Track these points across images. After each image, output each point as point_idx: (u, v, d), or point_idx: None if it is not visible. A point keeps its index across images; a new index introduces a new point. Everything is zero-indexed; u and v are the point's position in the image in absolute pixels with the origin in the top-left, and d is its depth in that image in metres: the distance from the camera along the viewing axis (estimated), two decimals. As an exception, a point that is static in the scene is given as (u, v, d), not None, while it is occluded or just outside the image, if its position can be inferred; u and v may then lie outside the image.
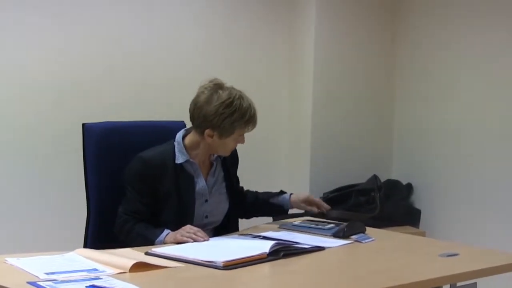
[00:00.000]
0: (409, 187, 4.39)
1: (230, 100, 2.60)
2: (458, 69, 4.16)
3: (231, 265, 2.13)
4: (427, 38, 4.32)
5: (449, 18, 4.20)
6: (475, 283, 2.33)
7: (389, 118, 4.54)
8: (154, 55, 4.03)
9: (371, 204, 4.16)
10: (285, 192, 2.92)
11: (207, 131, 2.62)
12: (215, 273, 2.10)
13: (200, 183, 2.68)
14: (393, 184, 4.36)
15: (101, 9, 3.88)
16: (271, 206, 2.89)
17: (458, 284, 2.28)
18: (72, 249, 2.30)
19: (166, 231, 2.55)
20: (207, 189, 2.69)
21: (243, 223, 2.92)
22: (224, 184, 2.76)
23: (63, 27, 3.79)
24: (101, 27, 3.89)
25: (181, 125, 2.98)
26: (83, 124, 2.87)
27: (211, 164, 2.73)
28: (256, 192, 2.94)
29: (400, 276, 2.14)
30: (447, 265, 2.28)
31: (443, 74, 4.25)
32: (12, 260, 2.14)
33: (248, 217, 2.95)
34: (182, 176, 2.65)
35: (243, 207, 2.87)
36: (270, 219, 3.78)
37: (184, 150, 2.66)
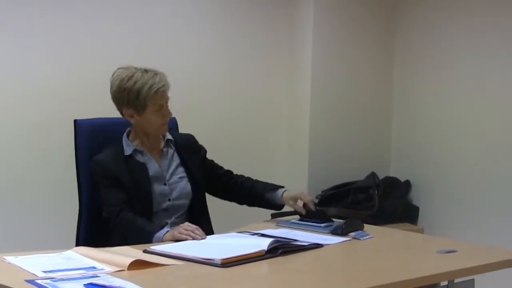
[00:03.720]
0: (407, 185, 4.39)
1: (130, 74, 2.74)
2: (457, 68, 4.16)
3: (229, 263, 2.13)
4: (427, 36, 4.32)
5: (449, 16, 4.20)
6: (473, 279, 2.33)
7: (387, 115, 4.55)
8: (152, 53, 4.02)
9: (369, 202, 4.15)
10: (282, 187, 2.93)
11: (125, 112, 2.74)
12: (214, 271, 2.10)
13: (153, 168, 2.77)
14: (391, 182, 4.36)
15: (97, 10, 3.88)
16: (264, 201, 2.93)
17: (456, 280, 2.29)
18: (69, 247, 2.30)
19: (166, 229, 2.56)
20: (161, 172, 2.77)
21: (241, 220, 2.92)
22: (182, 169, 2.82)
23: (60, 26, 3.79)
24: (97, 27, 3.89)
25: (172, 121, 2.97)
26: (75, 121, 2.86)
27: (162, 151, 2.82)
28: (254, 182, 2.97)
29: (398, 273, 2.14)
30: (445, 261, 2.28)
31: (442, 72, 4.25)
32: (10, 259, 2.13)
33: (242, 203, 3.01)
34: (135, 166, 2.75)
35: (231, 191, 2.96)
36: (268, 216, 3.79)
37: (130, 142, 2.77)
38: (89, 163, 2.80)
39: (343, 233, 2.60)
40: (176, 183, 2.80)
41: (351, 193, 4.20)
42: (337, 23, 4.34)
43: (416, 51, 4.39)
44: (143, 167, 2.75)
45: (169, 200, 2.76)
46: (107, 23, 3.92)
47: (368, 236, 2.60)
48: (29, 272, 2.00)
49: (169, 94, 2.70)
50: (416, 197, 4.36)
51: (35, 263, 2.09)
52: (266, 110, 4.43)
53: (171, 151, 2.84)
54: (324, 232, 2.64)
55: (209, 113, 4.17)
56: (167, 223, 2.71)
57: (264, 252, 2.24)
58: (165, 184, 2.77)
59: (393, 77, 4.53)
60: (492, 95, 3.98)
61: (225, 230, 2.70)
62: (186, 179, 2.82)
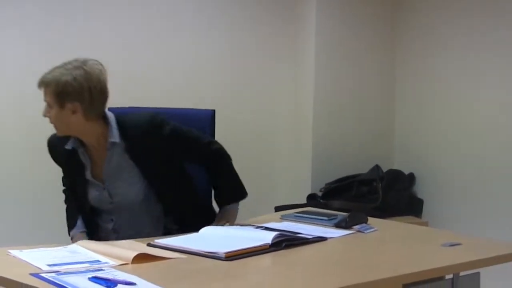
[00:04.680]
0: (411, 177, 4.38)
1: None
2: (459, 63, 4.16)
3: (233, 256, 2.13)
4: (428, 33, 4.32)
5: (450, 15, 4.20)
6: (478, 272, 2.33)
7: (390, 108, 4.54)
8: (155, 47, 4.06)
9: (373, 194, 4.16)
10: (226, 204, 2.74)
11: None
12: (217, 264, 2.10)
13: (89, 173, 2.59)
14: (395, 174, 4.36)
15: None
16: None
17: (461, 273, 2.28)
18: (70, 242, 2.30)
19: (81, 229, 2.64)
20: (96, 179, 2.59)
21: (245, 213, 2.92)
22: (131, 171, 2.56)
23: (64, 23, 3.83)
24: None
25: (209, 113, 2.93)
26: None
27: (107, 154, 2.57)
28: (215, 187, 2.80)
29: (402, 266, 2.13)
30: (449, 254, 2.27)
31: (444, 67, 4.25)
32: (15, 252, 2.14)
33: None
34: (75, 164, 2.61)
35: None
36: (272, 210, 3.79)
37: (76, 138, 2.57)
38: None
39: (347, 226, 2.59)
40: (117, 188, 2.58)
41: (355, 186, 4.21)
42: (339, 19, 4.34)
43: (418, 46, 4.38)
44: (81, 168, 2.59)
45: (111, 203, 2.61)
46: (106, 26, 3.97)
47: (372, 229, 2.59)
48: (34, 265, 2.01)
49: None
50: (421, 190, 4.36)
51: (39, 256, 2.09)
52: (270, 103, 4.43)
53: (117, 152, 2.56)
54: (328, 225, 2.63)
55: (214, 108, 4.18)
56: (112, 220, 2.63)
57: (268, 246, 2.24)
58: (104, 189, 2.59)
59: (396, 71, 4.52)
60: (494, 89, 3.97)
61: (229, 223, 2.69)
62: (130, 182, 2.58)
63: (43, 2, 3.73)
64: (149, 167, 2.57)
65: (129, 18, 4.04)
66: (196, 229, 2.47)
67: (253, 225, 2.60)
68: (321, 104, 4.31)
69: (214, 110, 2.94)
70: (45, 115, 2.53)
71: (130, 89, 3.88)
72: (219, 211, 2.74)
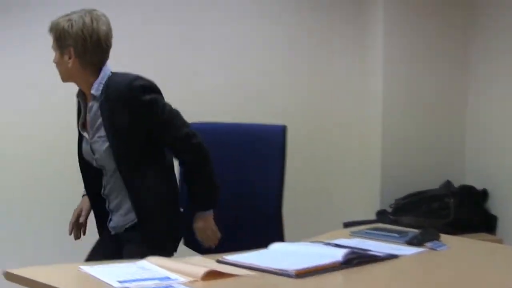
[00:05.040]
0: (484, 193, 4.26)
1: None
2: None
3: (303, 274, 2.10)
4: (504, 33, 4.18)
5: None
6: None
7: (461, 121, 4.43)
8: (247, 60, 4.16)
9: (445, 210, 4.07)
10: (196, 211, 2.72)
11: None
12: (288, 282, 2.07)
13: (81, 125, 2.67)
14: (467, 190, 4.24)
15: (193, 15, 4.05)
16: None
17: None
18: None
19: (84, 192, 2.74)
20: (82, 130, 2.66)
21: (315, 229, 2.87)
22: (102, 128, 2.57)
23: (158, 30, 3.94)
24: (196, 32, 4.06)
25: (280, 129, 2.89)
26: None
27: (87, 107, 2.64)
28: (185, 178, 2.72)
29: (479, 286, 2.06)
30: (530, 274, 2.19)
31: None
32: (86, 268, 2.16)
33: None
34: (81, 112, 2.68)
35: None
36: (340, 226, 3.73)
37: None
38: None
39: (418, 243, 2.52)
40: (95, 143, 2.61)
41: (426, 201, 4.12)
42: (409, 28, 4.27)
43: (492, 53, 4.24)
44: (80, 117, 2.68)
45: (93, 159, 2.64)
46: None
47: (445, 247, 2.51)
48: (105, 282, 2.02)
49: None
50: (494, 206, 4.22)
51: (110, 273, 2.10)
52: (337, 116, 4.39)
53: (95, 106, 2.58)
54: (399, 242, 2.57)
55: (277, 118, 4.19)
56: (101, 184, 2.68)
57: (339, 263, 2.20)
58: (88, 142, 2.65)
59: (467, 80, 4.40)
60: None
61: (298, 239, 2.66)
62: (104, 138, 2.57)
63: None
64: (113, 129, 2.54)
65: (199, 32, 4.07)
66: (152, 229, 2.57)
67: (322, 242, 2.56)
68: (390, 118, 4.25)
69: (285, 126, 2.87)
70: (53, 61, 2.62)
71: (197, 102, 3.90)
72: (195, 218, 2.70)
